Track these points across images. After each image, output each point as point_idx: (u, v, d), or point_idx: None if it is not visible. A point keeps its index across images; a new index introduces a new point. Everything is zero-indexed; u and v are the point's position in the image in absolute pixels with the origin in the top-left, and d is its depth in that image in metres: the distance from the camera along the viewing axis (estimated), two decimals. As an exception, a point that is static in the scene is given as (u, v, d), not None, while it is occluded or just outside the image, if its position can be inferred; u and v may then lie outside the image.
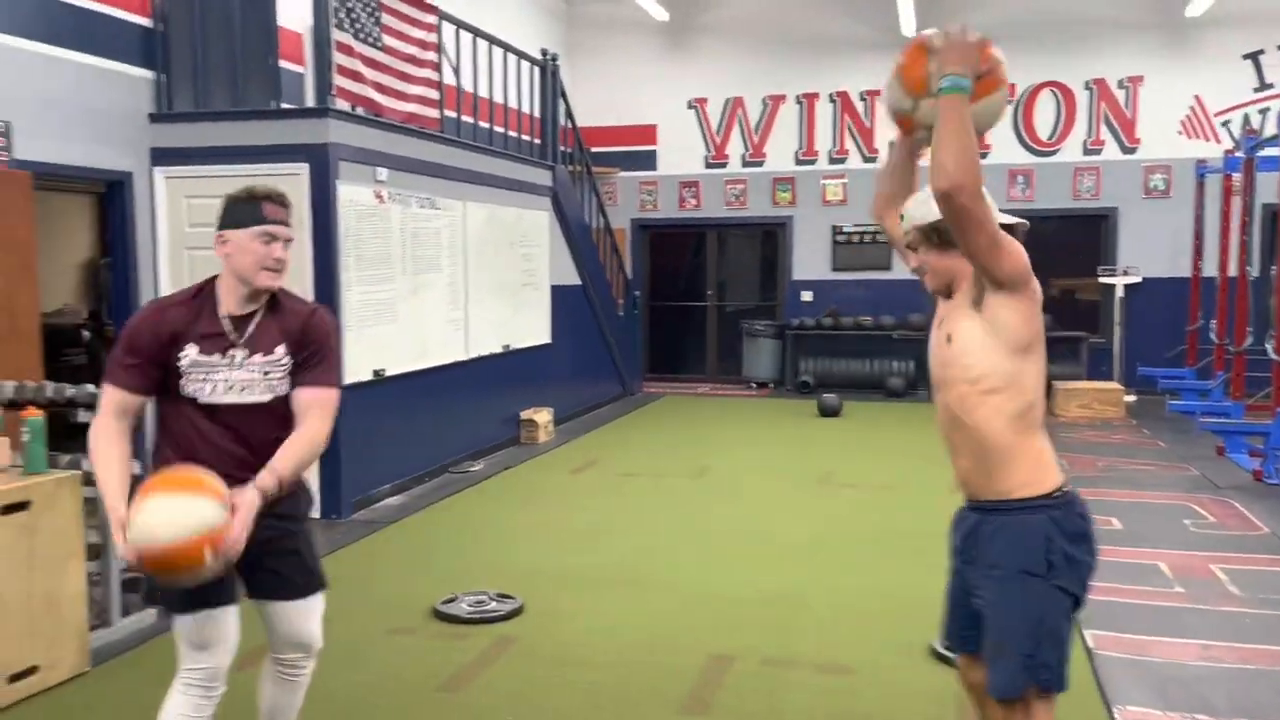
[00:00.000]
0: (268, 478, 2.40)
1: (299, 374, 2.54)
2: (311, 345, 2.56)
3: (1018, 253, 2.15)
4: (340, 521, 5.90)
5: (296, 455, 2.47)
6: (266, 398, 2.51)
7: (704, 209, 12.18)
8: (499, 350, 8.14)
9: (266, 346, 2.52)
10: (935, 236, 2.26)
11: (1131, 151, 10.99)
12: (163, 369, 2.47)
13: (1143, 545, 5.28)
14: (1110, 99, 11.02)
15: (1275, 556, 5.13)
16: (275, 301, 2.57)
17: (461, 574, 4.88)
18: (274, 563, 2.58)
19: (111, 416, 2.44)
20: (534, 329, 8.87)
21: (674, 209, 12.27)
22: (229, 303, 2.51)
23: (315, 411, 2.52)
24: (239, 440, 2.48)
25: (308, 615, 2.69)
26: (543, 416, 8.64)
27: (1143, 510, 6.04)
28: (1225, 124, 10.72)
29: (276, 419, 2.53)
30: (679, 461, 7.68)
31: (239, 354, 2.49)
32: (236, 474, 2.38)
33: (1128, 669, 3.73)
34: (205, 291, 2.54)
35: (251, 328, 2.52)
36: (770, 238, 12.27)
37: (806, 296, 11.91)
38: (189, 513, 2.21)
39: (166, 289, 6.10)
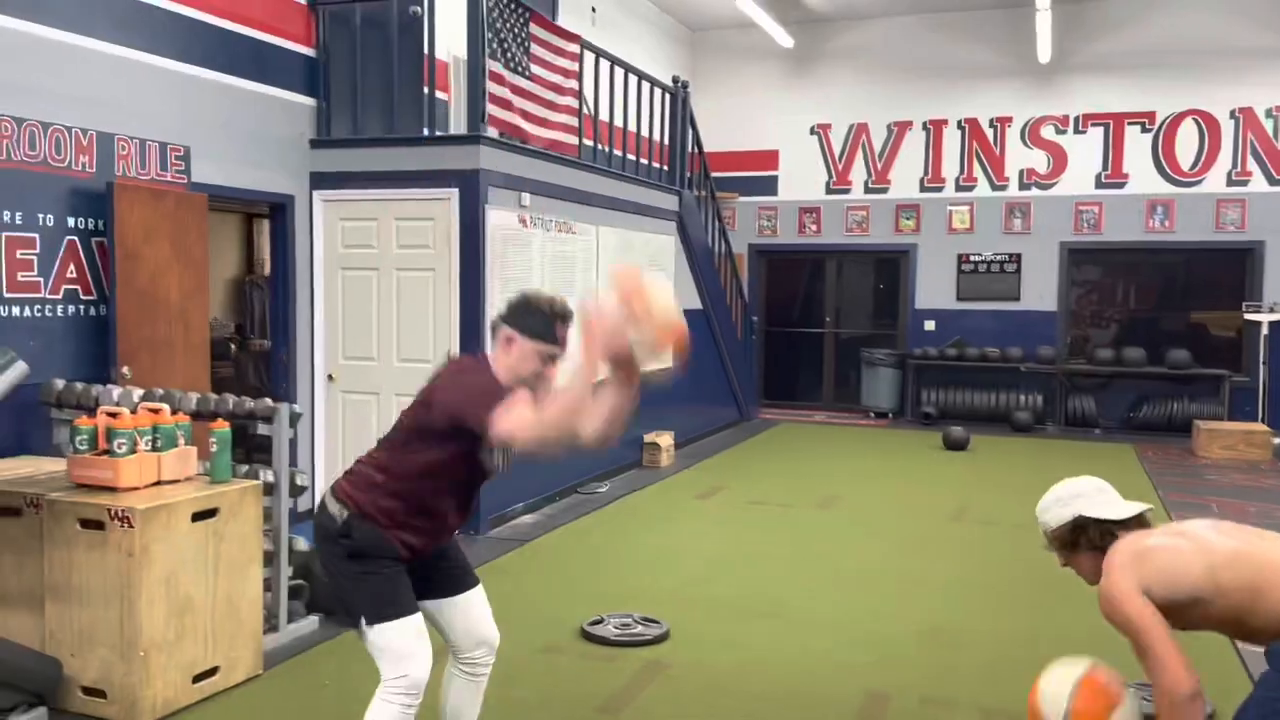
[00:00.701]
0: None
1: None
2: None
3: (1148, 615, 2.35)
4: (479, 538, 6.02)
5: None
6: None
7: (824, 235, 12.09)
8: (626, 373, 8.19)
9: None
10: (1056, 543, 2.68)
11: (1279, 183, 10.51)
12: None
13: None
14: (1258, 128, 10.55)
15: None
16: None
17: (603, 595, 4.92)
18: (442, 563, 2.78)
19: (528, 409, 2.44)
20: (659, 353, 8.90)
21: (793, 234, 12.21)
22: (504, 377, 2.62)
23: None
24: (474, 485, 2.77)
25: (482, 604, 2.85)
26: (665, 440, 8.67)
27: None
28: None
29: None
30: (805, 491, 7.60)
31: None
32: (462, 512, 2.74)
33: None
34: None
35: None
36: (891, 265, 12.10)
37: (929, 325, 11.69)
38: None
39: (321, 307, 6.36)
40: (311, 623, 4.38)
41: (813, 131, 12.05)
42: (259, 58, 5.93)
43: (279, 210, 6.21)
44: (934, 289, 11.68)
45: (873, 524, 6.65)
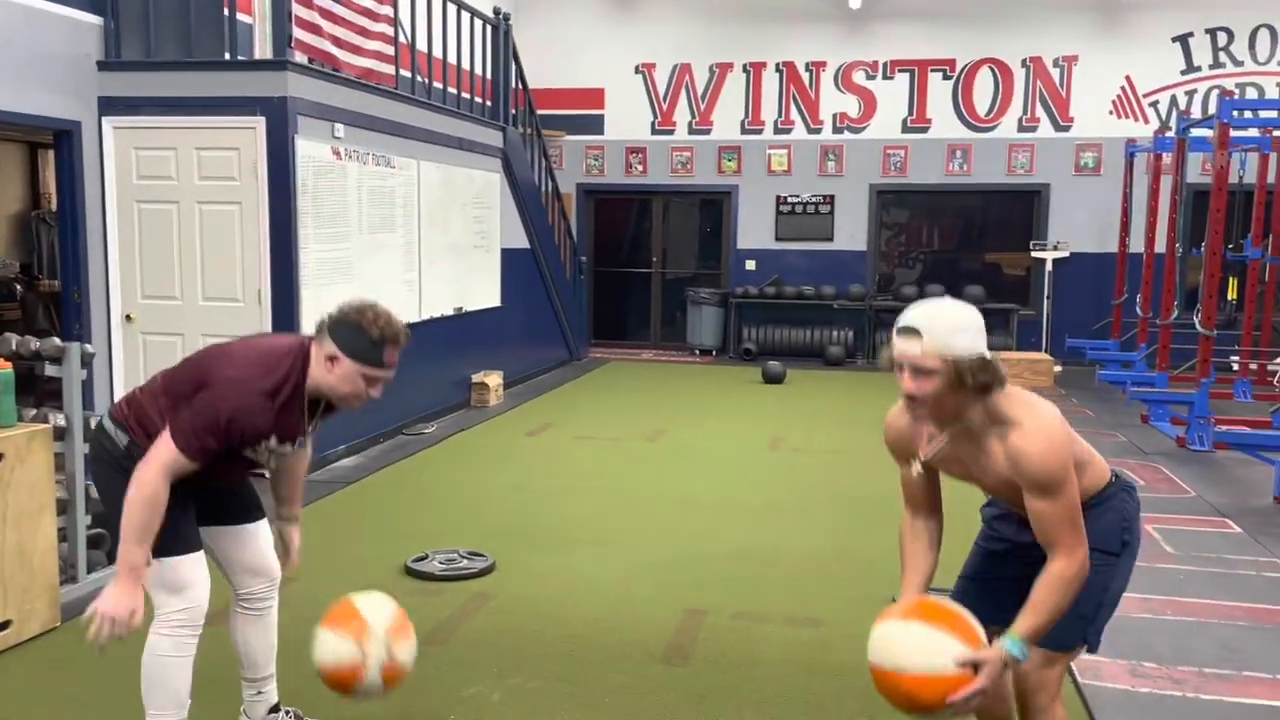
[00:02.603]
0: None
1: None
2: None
3: (1069, 473, 2.17)
4: (298, 481, 5.86)
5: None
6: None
7: (650, 176, 12.21)
8: (451, 312, 8.10)
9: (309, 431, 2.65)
10: (946, 373, 2.12)
11: (1065, 129, 11.34)
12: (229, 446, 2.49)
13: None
14: (1046, 77, 11.33)
15: (1203, 517, 5.44)
16: None
17: (428, 533, 4.91)
18: (228, 494, 2.71)
19: (166, 477, 2.38)
20: (485, 291, 8.84)
21: (621, 175, 12.28)
22: (311, 396, 2.54)
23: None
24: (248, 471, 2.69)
25: (262, 538, 2.77)
26: (493, 379, 8.64)
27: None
28: (1154, 104, 11.12)
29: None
30: (632, 425, 7.77)
31: (300, 440, 2.62)
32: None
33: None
34: (294, 382, 2.50)
35: (317, 421, 2.64)
36: (715, 206, 12.37)
37: (750, 265, 12.06)
38: None
39: (116, 243, 5.95)
40: (113, 572, 4.17)
41: (637, 71, 12.08)
42: (33, -32, 5.42)
43: (63, 138, 5.74)
44: (755, 229, 12.04)
45: (695, 455, 6.88)
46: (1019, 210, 11.66)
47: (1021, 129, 11.41)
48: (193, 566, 2.55)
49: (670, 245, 12.83)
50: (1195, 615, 4.05)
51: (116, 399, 2.72)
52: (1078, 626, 2.31)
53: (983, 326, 2.18)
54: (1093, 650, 2.38)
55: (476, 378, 8.53)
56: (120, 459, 2.53)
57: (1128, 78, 11.15)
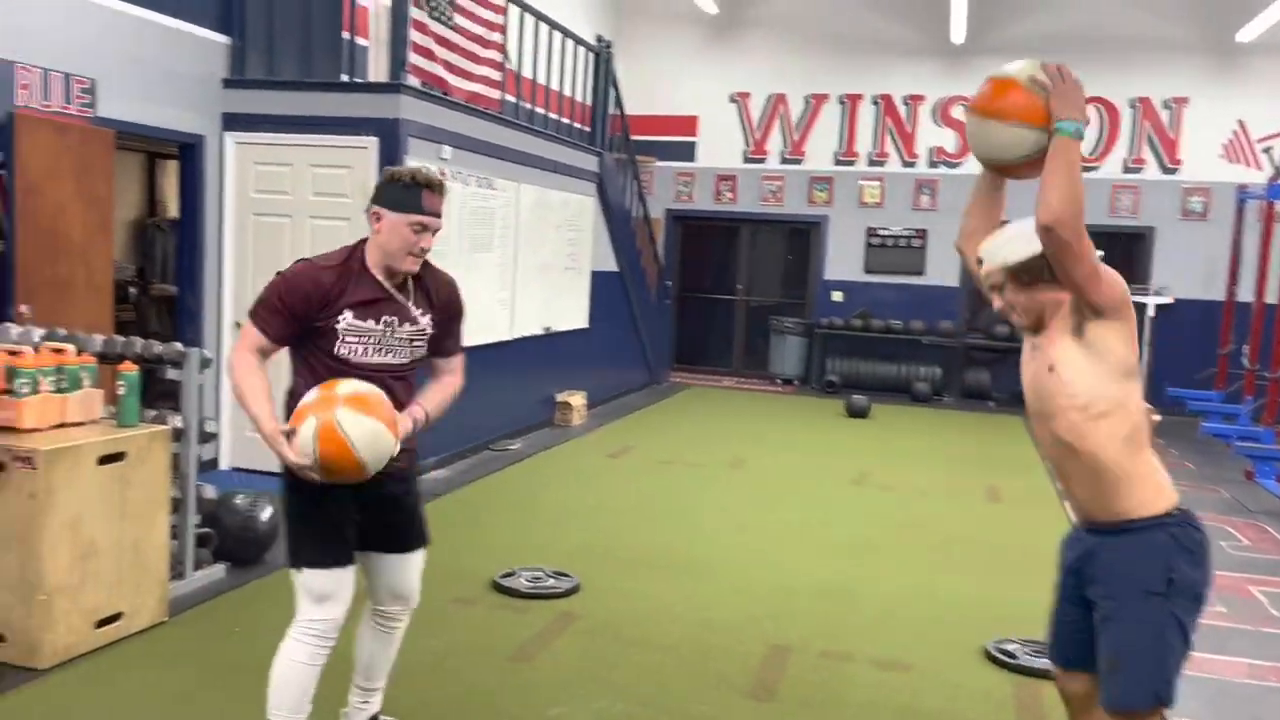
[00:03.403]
0: (419, 410, 2.65)
1: (441, 341, 2.74)
2: (452, 313, 2.76)
3: (1116, 280, 2.23)
4: (389, 491, 6.00)
5: (441, 399, 2.76)
6: (406, 361, 2.67)
7: (739, 203, 12.23)
8: (540, 332, 8.22)
9: (415, 316, 2.65)
10: (1024, 275, 2.30)
11: (1172, 172, 11.04)
12: (305, 326, 2.56)
13: (1180, 563, 5.36)
14: (1154, 118, 11.05)
15: (1312, 582, 5.22)
16: (421, 270, 2.66)
17: (515, 549, 4.98)
18: (391, 518, 2.75)
19: (250, 353, 2.55)
20: (573, 312, 8.95)
21: (710, 201, 12.33)
22: (379, 272, 2.60)
23: (457, 370, 2.82)
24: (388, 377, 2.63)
25: (413, 568, 2.85)
26: (577, 400, 8.74)
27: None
28: (1267, 150, 10.75)
29: (407, 382, 2.71)
30: (713, 452, 7.77)
31: (393, 320, 2.61)
32: None
33: (1185, 684, 3.82)
34: (355, 257, 2.61)
35: (404, 297, 2.63)
36: (803, 235, 12.33)
37: (837, 296, 11.98)
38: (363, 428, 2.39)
39: (231, 252, 6.20)
40: (218, 570, 4.34)
41: (732, 100, 12.14)
42: (170, -10, 5.71)
43: (188, 151, 6.01)
44: (843, 261, 11.95)
45: (777, 485, 6.84)
46: (1120, 252, 11.33)
47: (1126, 170, 11.14)
48: (340, 580, 2.61)
49: (756, 273, 12.82)
50: (1304, 685, 3.88)
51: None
52: (1143, 684, 2.22)
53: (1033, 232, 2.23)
54: (1169, 706, 2.25)
55: (561, 397, 8.63)
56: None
57: (1240, 122, 10.81)
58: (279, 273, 2.62)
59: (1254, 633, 4.40)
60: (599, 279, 9.48)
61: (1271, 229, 9.53)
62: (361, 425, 2.39)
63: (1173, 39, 10.91)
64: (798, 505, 6.33)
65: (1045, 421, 2.35)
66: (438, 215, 2.59)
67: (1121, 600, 2.26)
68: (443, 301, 2.72)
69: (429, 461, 6.56)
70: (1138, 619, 2.23)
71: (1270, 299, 9.31)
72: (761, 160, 12.12)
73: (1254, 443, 8.08)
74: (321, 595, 2.60)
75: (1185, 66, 10.91)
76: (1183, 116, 10.97)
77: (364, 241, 2.64)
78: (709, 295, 12.82)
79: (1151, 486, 2.27)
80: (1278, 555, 5.70)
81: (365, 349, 2.59)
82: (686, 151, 12.31)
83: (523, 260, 7.75)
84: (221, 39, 6.10)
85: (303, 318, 2.55)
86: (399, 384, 2.65)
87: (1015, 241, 2.32)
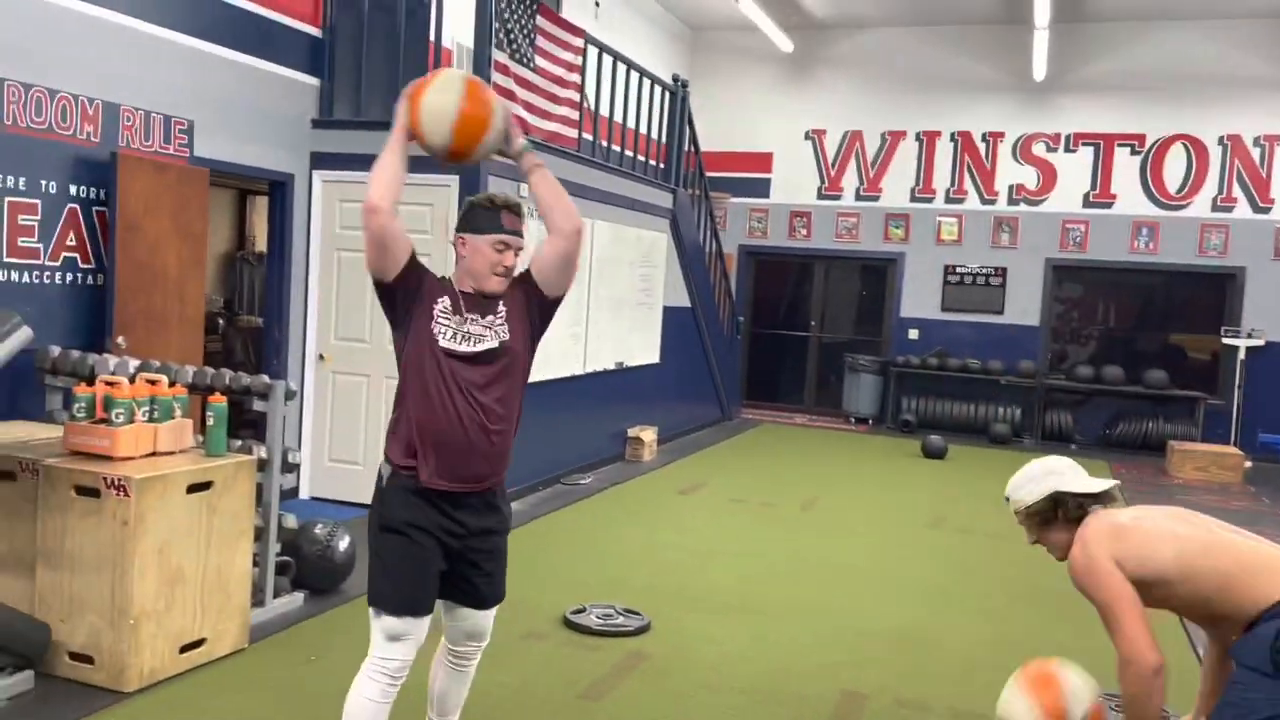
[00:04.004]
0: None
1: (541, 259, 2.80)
2: (530, 281, 2.79)
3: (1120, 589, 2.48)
4: (462, 523, 6.06)
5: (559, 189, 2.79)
6: (495, 344, 2.69)
7: (814, 240, 12.19)
8: (612, 367, 8.26)
9: (501, 314, 2.74)
10: (1036, 518, 2.71)
11: (1264, 211, 10.69)
12: (412, 293, 2.66)
13: None
14: (1244, 156, 10.73)
15: None
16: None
17: (585, 585, 4.99)
18: (478, 574, 2.76)
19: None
20: (645, 347, 8.98)
21: (783, 237, 12.30)
22: (464, 286, 2.72)
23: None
24: (476, 387, 2.67)
25: (490, 616, 2.88)
26: (648, 435, 8.74)
27: (1272, 582, 5.85)
28: (1367, 188, 10.35)
29: (502, 395, 2.72)
30: (786, 491, 7.69)
31: (474, 317, 2.70)
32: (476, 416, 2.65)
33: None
34: (451, 280, 2.76)
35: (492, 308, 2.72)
36: (878, 272, 12.22)
37: (913, 334, 11.81)
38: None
39: (316, 286, 6.38)
40: (296, 599, 4.42)
41: (807, 136, 12.14)
42: (266, 35, 5.94)
43: (278, 188, 6.22)
44: (919, 298, 11.80)
45: (851, 526, 6.74)
46: (1208, 293, 11.02)
47: (1216, 208, 10.81)
48: (414, 624, 2.65)
49: (829, 310, 12.73)
50: None
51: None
52: None
53: (1049, 471, 2.69)
54: None
55: (632, 432, 8.64)
56: (376, 498, 2.71)
57: (1337, 158, 10.44)
58: None
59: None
60: (671, 314, 9.50)
61: (1373, 270, 9.15)
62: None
63: (1262, 76, 10.60)
64: (872, 547, 6.22)
65: None
66: (519, 234, 2.69)
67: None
68: (522, 291, 2.75)
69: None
70: (1242, 690, 2.31)
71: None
72: (837, 196, 12.07)
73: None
74: (396, 635, 2.63)
75: (1277, 103, 10.59)
76: (1275, 154, 10.63)
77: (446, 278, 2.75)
78: (782, 331, 12.76)
79: (1246, 584, 2.38)
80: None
81: (453, 333, 2.67)
82: (762, 188, 12.33)
83: (596, 295, 7.81)
84: (312, 81, 6.32)
85: (412, 284, 2.67)
86: (490, 388, 2.68)
87: (1026, 485, 2.70)
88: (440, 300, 2.67)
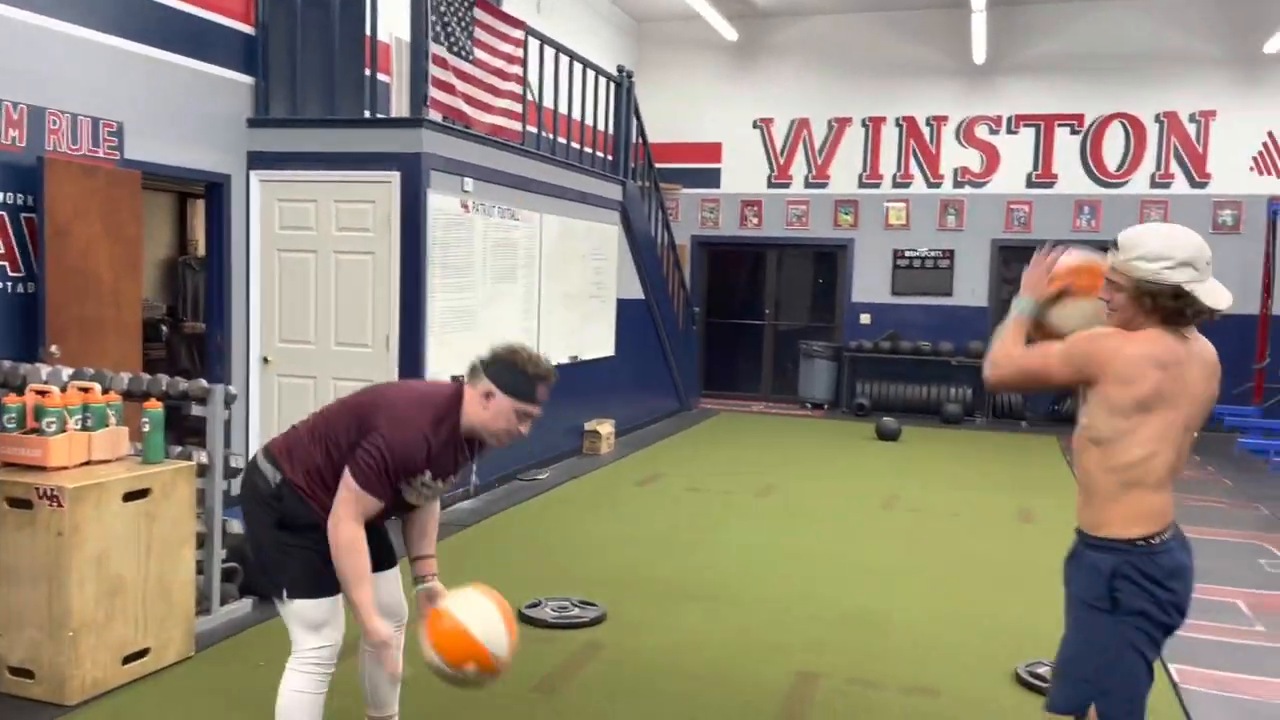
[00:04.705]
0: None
1: None
2: None
3: (1068, 362, 2.32)
4: (416, 523, 6.00)
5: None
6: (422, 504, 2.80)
7: (765, 228, 12.24)
8: (566, 360, 8.23)
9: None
10: (1125, 288, 2.30)
11: (1201, 186, 10.91)
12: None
13: (1219, 583, 5.23)
14: (1181, 132, 10.94)
15: (1358, 600, 5.07)
16: None
17: (541, 579, 4.96)
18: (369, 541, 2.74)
19: (359, 523, 2.54)
20: (600, 341, 8.97)
21: (735, 227, 12.34)
22: (465, 436, 2.65)
23: None
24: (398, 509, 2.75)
25: (394, 582, 2.88)
26: (605, 428, 8.73)
27: (1215, 548, 5.99)
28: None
29: None
30: (742, 479, 7.72)
31: (449, 479, 2.72)
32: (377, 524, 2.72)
33: (1215, 704, 3.73)
34: (452, 420, 2.61)
35: (473, 459, 2.75)
36: (829, 259, 12.30)
37: (865, 319, 11.91)
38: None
39: (258, 289, 6.28)
40: (244, 605, 4.36)
41: (755, 125, 12.18)
42: (196, 34, 5.83)
43: (215, 190, 6.11)
44: (870, 283, 11.90)
45: (807, 511, 6.78)
46: (1150, 268, 11.20)
47: (1155, 185, 11.02)
48: (331, 608, 2.65)
49: (783, 297, 12.80)
50: (1352, 708, 3.76)
51: (271, 437, 2.84)
52: (1078, 689, 2.29)
53: (1191, 259, 2.21)
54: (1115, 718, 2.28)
55: (589, 425, 8.62)
56: (269, 497, 2.65)
57: (1270, 133, 10.67)
58: (383, 434, 2.52)
59: (1298, 654, 4.28)
60: (625, 307, 9.49)
61: (1306, 240, 9.38)
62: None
63: (1198, 53, 10.81)
64: (827, 530, 6.26)
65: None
66: (541, 406, 2.63)
67: (1072, 608, 2.35)
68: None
69: (456, 492, 6.58)
70: (1082, 629, 2.31)
71: (1307, 311, 9.13)
72: (786, 185, 12.13)
73: (1294, 458, 7.90)
74: (316, 623, 2.62)
75: (1211, 80, 10.81)
76: (1210, 130, 10.85)
77: (459, 398, 2.62)
78: (737, 321, 12.80)
79: (1127, 515, 2.26)
80: (1322, 573, 5.55)
81: (416, 495, 2.67)
82: (712, 178, 12.35)
83: (547, 289, 7.78)
84: (246, 79, 6.22)
85: (397, 483, 2.59)
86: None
87: (1157, 257, 2.21)
88: (424, 474, 2.61)
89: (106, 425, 3.70)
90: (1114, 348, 2.23)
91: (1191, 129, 10.91)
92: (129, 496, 3.57)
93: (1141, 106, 10.99)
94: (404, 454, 2.51)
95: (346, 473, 2.52)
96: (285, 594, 2.63)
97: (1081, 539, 2.35)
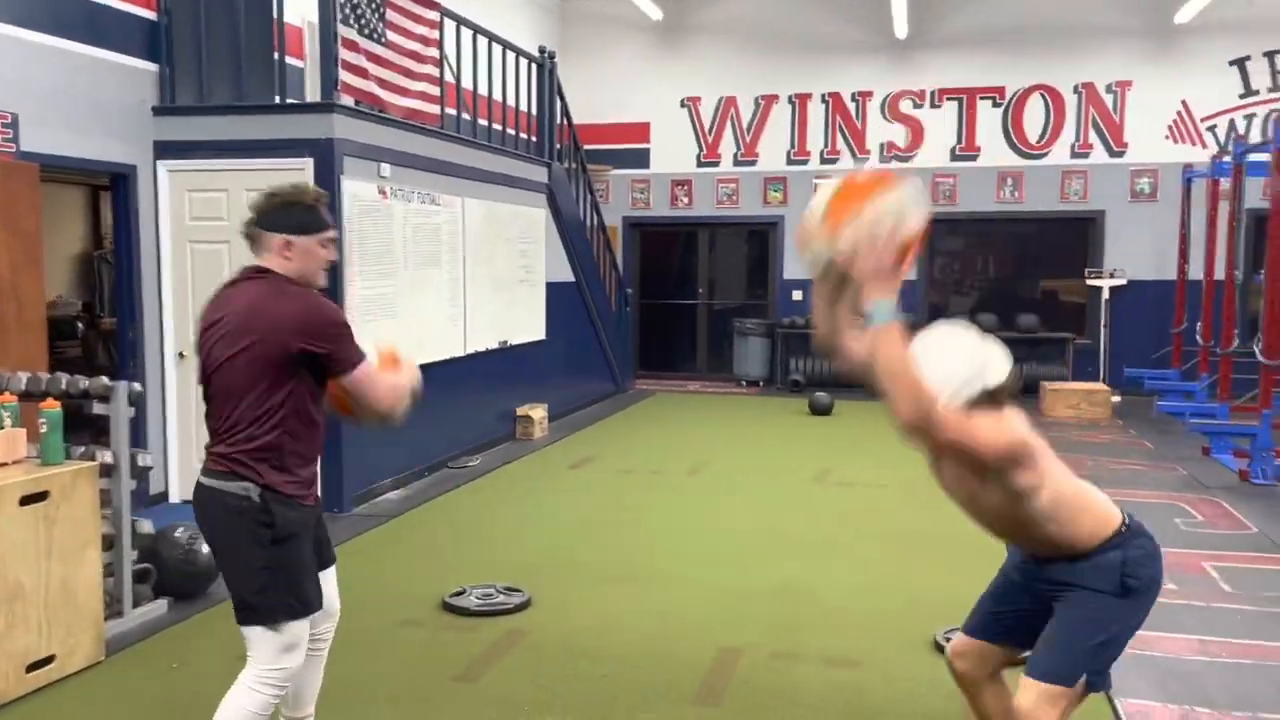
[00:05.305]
0: None
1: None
2: None
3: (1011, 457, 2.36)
4: (342, 516, 5.91)
5: None
6: None
7: (695, 208, 12.24)
8: (495, 346, 8.17)
9: None
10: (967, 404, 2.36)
11: (1119, 155, 11.14)
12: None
13: (1135, 543, 5.37)
14: (1098, 103, 11.16)
15: (1265, 555, 5.25)
16: None
17: (467, 567, 4.93)
18: (318, 531, 2.75)
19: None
20: (530, 325, 8.90)
21: (666, 207, 12.33)
22: None
23: None
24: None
25: (333, 581, 2.84)
26: (538, 413, 8.68)
27: (1136, 509, 6.09)
28: (1211, 129, 10.88)
29: None
30: (675, 458, 7.74)
31: None
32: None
33: (1128, 662, 3.79)
34: (290, 286, 2.56)
35: None
36: (760, 237, 12.35)
37: (797, 296, 11.98)
38: None
39: (169, 282, 6.12)
40: (159, 606, 4.25)
41: (683, 104, 12.15)
42: (94, 20, 5.63)
43: (120, 181, 5.92)
44: (801, 260, 11.95)
45: (738, 487, 6.82)
46: (1074, 237, 11.45)
47: (1074, 155, 11.23)
48: (304, 628, 2.55)
49: (717, 276, 12.83)
50: (1253, 657, 3.89)
51: (193, 450, 2.77)
52: (1075, 660, 2.36)
53: (984, 365, 2.41)
54: (1096, 690, 2.41)
55: (521, 411, 8.57)
56: (259, 512, 2.45)
57: (1184, 102, 10.93)
58: (321, 303, 2.55)
59: (1205, 609, 4.41)
60: (556, 290, 9.44)
61: (1217, 207, 9.64)
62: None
63: (1112, 24, 11.02)
64: (756, 506, 6.31)
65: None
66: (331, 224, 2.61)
67: (1074, 605, 2.43)
68: None
69: (383, 483, 6.49)
70: (1083, 607, 2.40)
71: (1219, 276, 9.39)
72: (715, 164, 12.14)
73: (1209, 419, 8.15)
74: (292, 645, 2.53)
75: (1126, 50, 11.03)
76: (1126, 100, 11.08)
77: (270, 271, 2.53)
78: (671, 301, 12.81)
79: (1093, 517, 2.45)
80: (1231, 530, 5.73)
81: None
82: (641, 158, 12.31)
83: (473, 275, 7.69)
84: (150, 66, 6.03)
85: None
86: None
87: (962, 379, 2.38)
88: None
89: (1, 427, 3.58)
90: (1025, 432, 2.38)
91: (1109, 99, 11.13)
92: (26, 500, 3.45)
93: (1060, 78, 11.18)
94: (332, 307, 2.55)
95: (350, 373, 2.50)
96: (284, 617, 2.47)
97: (1078, 559, 2.42)
